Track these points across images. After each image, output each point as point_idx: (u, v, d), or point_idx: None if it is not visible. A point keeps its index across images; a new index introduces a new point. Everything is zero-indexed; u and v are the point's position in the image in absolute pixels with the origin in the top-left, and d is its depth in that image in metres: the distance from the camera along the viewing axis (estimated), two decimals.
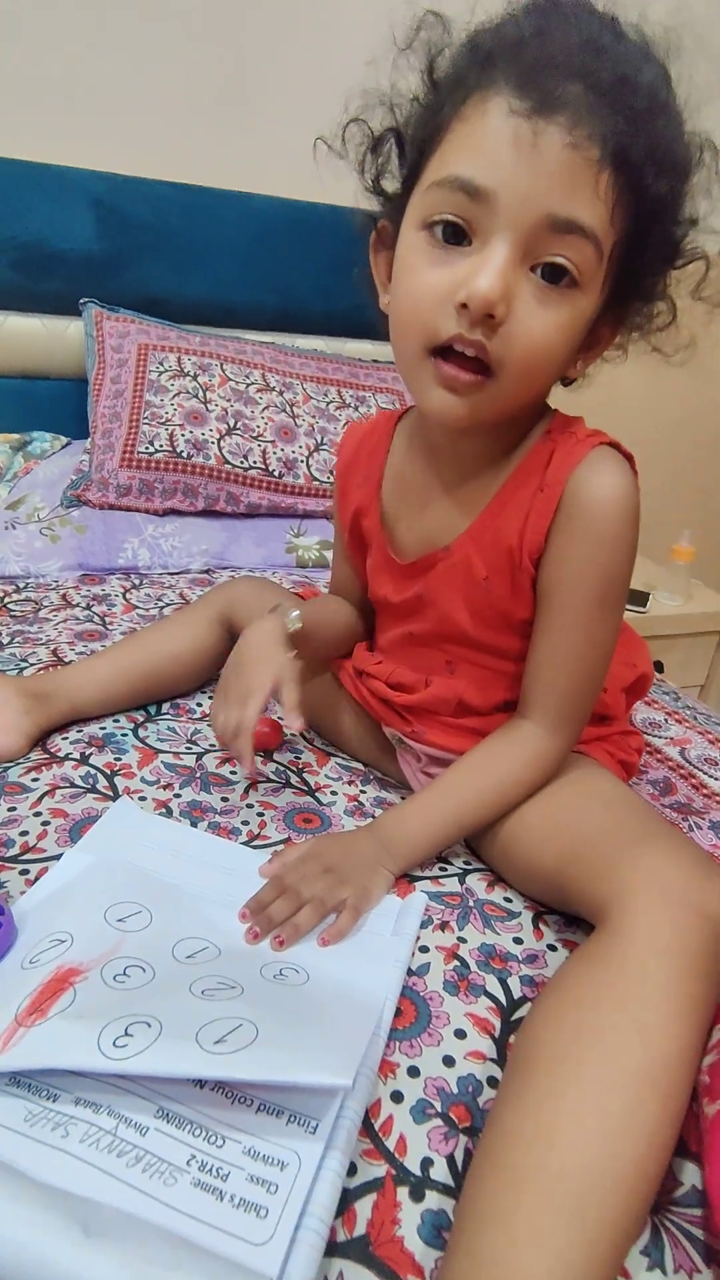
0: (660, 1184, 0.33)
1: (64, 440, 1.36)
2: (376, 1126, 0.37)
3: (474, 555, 0.54)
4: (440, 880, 0.55)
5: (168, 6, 1.25)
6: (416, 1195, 0.35)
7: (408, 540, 0.60)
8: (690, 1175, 0.36)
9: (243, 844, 0.57)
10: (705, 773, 0.74)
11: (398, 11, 0.46)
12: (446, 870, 0.56)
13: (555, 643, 0.52)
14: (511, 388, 0.46)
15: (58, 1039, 0.36)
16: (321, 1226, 0.32)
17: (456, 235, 0.43)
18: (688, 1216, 0.35)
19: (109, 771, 0.64)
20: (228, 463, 1.22)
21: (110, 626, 0.92)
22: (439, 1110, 0.38)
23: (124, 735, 0.69)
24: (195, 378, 1.26)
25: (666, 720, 0.84)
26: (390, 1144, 0.37)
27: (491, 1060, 0.41)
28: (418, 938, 0.49)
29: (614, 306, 0.48)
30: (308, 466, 1.27)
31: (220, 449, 1.22)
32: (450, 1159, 0.36)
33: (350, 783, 0.68)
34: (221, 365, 1.29)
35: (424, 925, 0.50)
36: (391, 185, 0.50)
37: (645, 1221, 0.33)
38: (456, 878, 0.56)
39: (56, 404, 1.38)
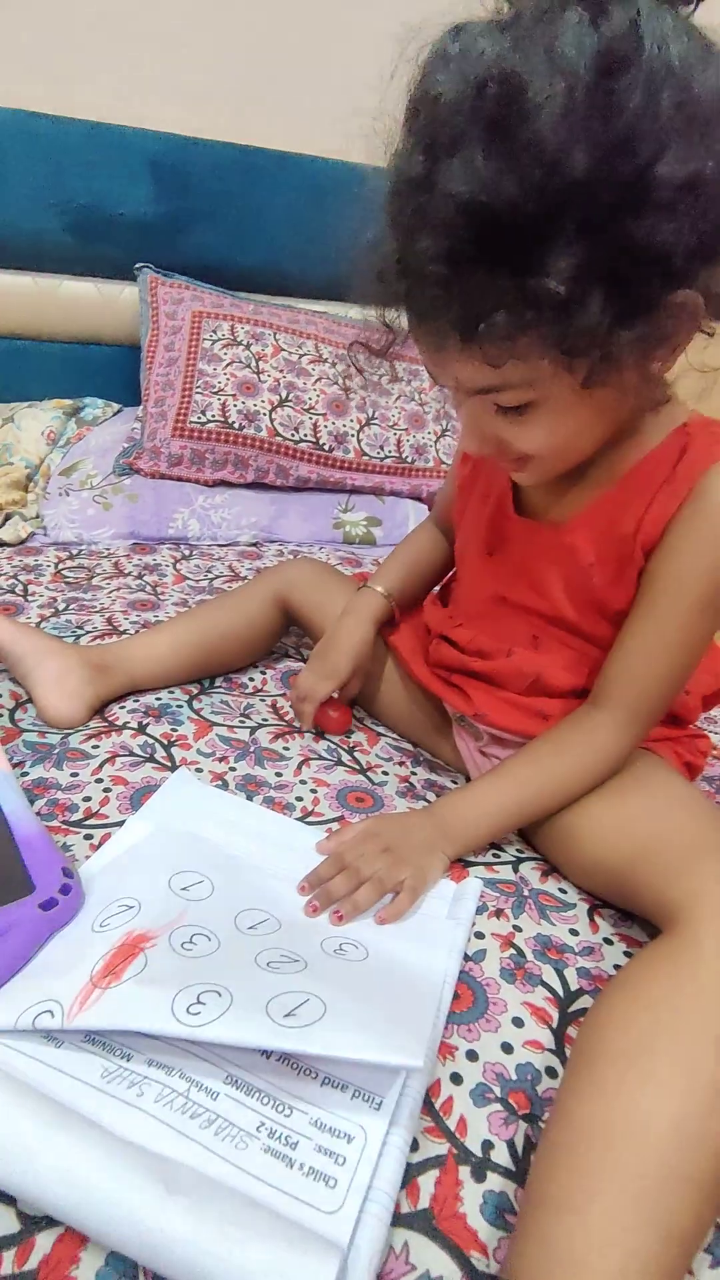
0: None
1: (115, 407, 1.36)
2: (437, 1106, 0.38)
3: (584, 540, 0.53)
4: (494, 867, 0.55)
5: None
6: (478, 1175, 0.35)
7: (526, 504, 0.59)
8: None
9: (297, 820, 0.58)
10: None
11: None
12: (500, 857, 0.56)
13: (648, 636, 0.51)
14: (556, 462, 0.49)
15: (133, 1002, 0.37)
16: (387, 1200, 0.32)
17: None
18: None
19: (166, 742, 0.65)
20: (279, 435, 1.21)
21: (162, 597, 0.93)
22: (498, 1095, 0.39)
23: (179, 706, 0.70)
24: (248, 347, 1.24)
25: None
26: (451, 1124, 0.37)
27: (550, 1050, 0.42)
28: (473, 923, 0.49)
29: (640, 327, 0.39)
30: (358, 441, 1.26)
31: (272, 420, 1.21)
32: (510, 1144, 0.37)
33: (401, 763, 0.68)
34: (275, 335, 1.27)
35: (479, 911, 0.50)
36: None
37: (712, 1225, 0.33)
38: (510, 865, 0.56)
39: (109, 370, 1.38)
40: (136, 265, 1.31)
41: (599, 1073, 0.34)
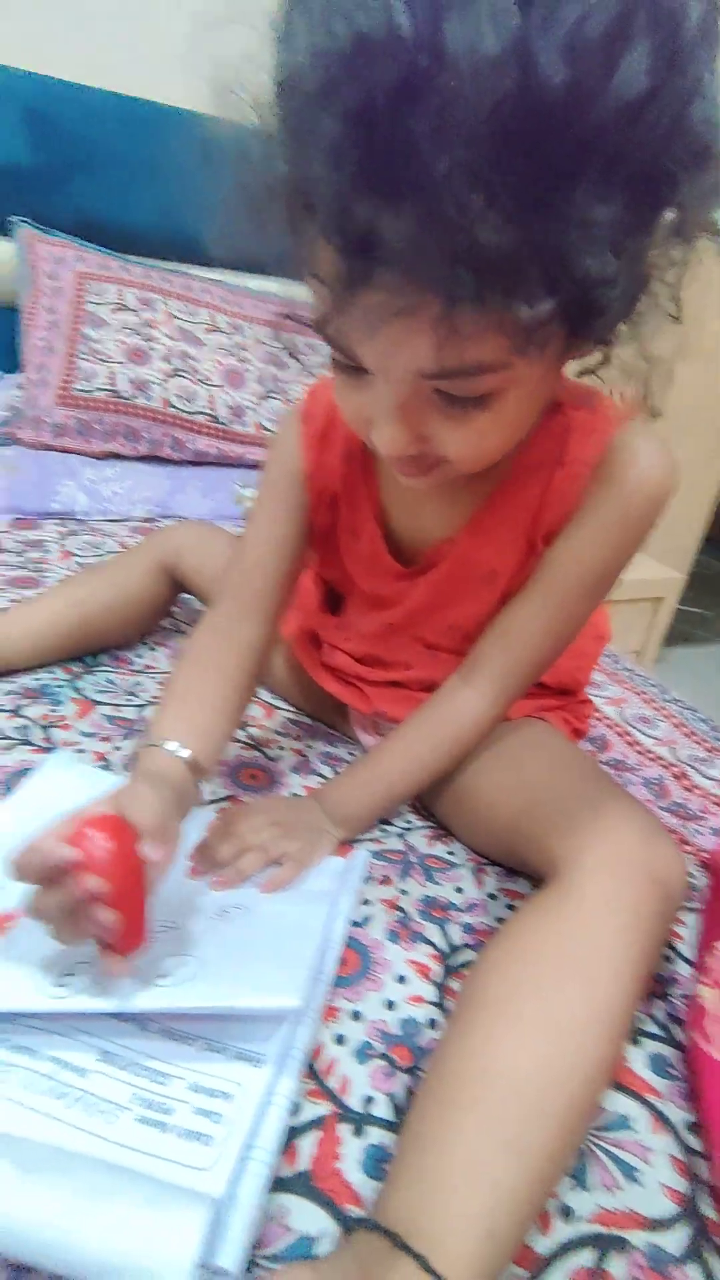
0: (592, 1118, 0.35)
1: None
2: (319, 1069, 0.38)
3: (482, 546, 0.50)
4: (381, 840, 0.56)
5: None
6: (358, 1131, 0.36)
7: (405, 535, 0.54)
8: (614, 1104, 0.39)
9: None
10: (639, 730, 0.77)
11: None
12: (387, 832, 0.57)
13: (535, 616, 0.50)
14: (475, 466, 0.40)
15: None
16: (268, 1156, 0.32)
17: (352, 368, 0.37)
18: (610, 1140, 0.37)
19: (44, 724, 0.61)
20: (173, 406, 1.16)
21: (45, 574, 0.88)
22: (380, 1051, 0.39)
23: (60, 687, 0.67)
24: (138, 313, 1.19)
25: (606, 681, 0.87)
26: (333, 1085, 0.37)
27: (431, 1004, 0.42)
28: (360, 892, 0.49)
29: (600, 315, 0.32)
30: (257, 415, 1.23)
31: (166, 391, 1.16)
32: (391, 1096, 0.37)
33: (297, 738, 0.67)
34: (166, 302, 1.22)
35: (366, 881, 0.51)
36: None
37: (577, 1152, 0.35)
38: (397, 836, 0.56)
39: None
40: (10, 218, 1.21)
41: (474, 1020, 0.35)
